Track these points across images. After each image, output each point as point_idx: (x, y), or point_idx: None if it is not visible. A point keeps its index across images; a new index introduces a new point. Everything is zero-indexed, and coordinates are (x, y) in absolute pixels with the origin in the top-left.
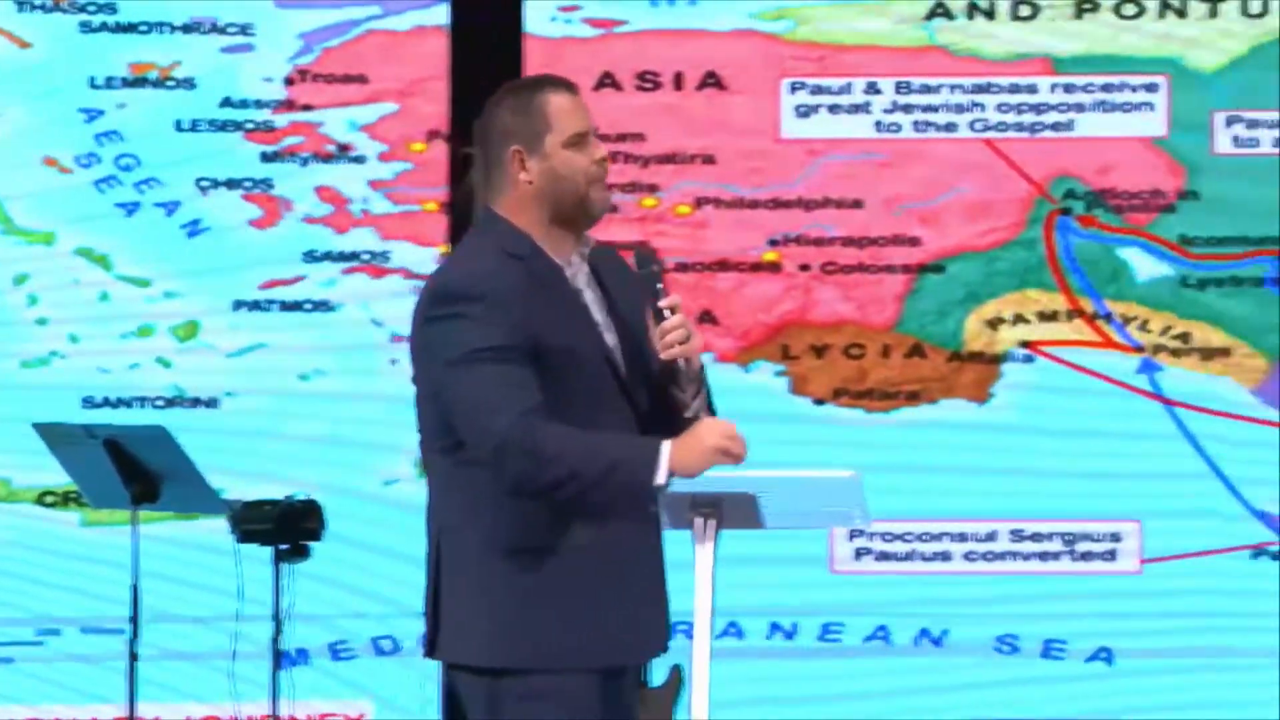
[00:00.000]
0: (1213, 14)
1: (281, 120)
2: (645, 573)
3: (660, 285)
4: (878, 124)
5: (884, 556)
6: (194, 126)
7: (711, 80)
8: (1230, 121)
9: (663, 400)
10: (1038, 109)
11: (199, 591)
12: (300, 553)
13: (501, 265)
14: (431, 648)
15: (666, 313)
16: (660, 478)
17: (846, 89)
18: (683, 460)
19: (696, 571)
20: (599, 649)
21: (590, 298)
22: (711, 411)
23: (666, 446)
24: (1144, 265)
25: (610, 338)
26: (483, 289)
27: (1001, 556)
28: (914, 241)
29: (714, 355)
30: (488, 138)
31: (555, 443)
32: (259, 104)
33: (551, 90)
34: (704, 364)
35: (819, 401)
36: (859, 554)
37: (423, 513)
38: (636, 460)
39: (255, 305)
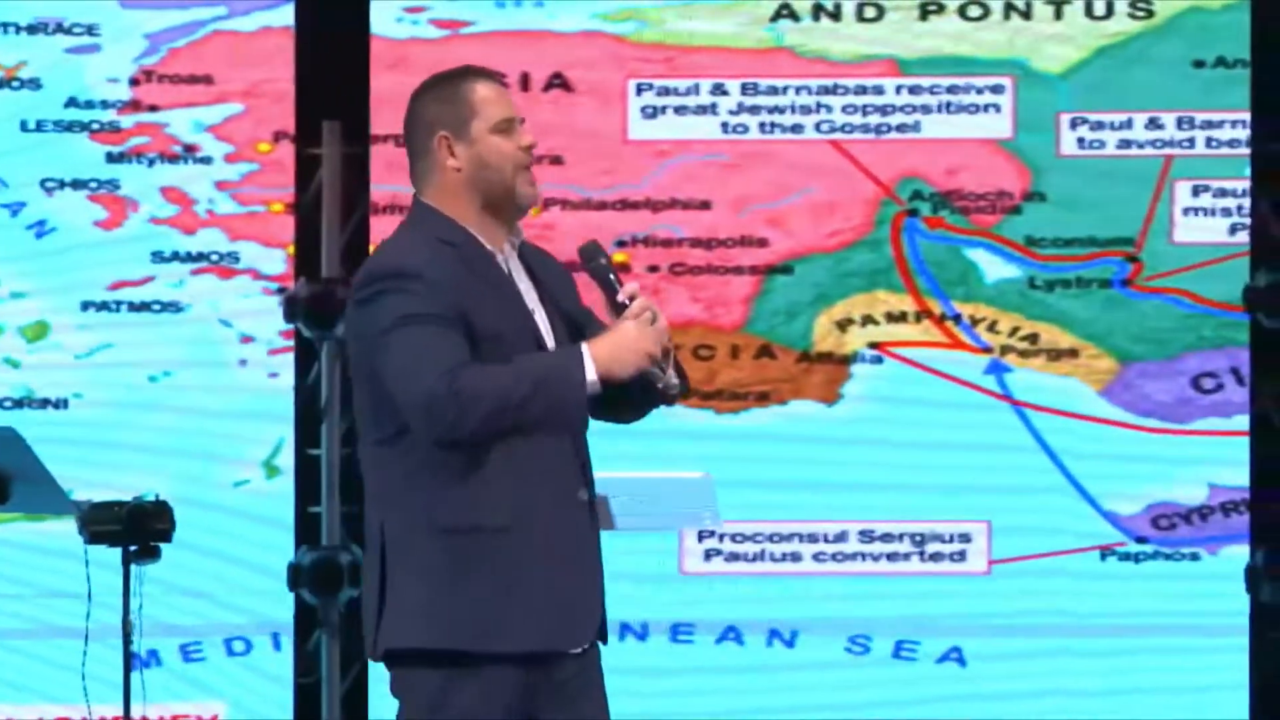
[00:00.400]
0: (1058, 16)
1: (127, 121)
2: (578, 558)
3: (613, 275)
4: (724, 125)
5: (734, 557)
6: (39, 127)
7: (558, 82)
8: (1076, 123)
9: (636, 381)
10: (884, 110)
11: (47, 593)
12: (150, 554)
13: (434, 251)
14: (374, 647)
15: (627, 301)
16: (590, 375)
17: (693, 90)
18: (608, 357)
19: None
20: (524, 632)
21: (523, 287)
22: (683, 379)
23: (586, 348)
24: (991, 266)
25: (544, 325)
26: (415, 267)
27: (852, 557)
28: (762, 243)
29: None
30: (414, 130)
31: (477, 380)
32: (105, 104)
33: (475, 79)
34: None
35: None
36: (709, 555)
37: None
38: (563, 369)
39: (104, 306)
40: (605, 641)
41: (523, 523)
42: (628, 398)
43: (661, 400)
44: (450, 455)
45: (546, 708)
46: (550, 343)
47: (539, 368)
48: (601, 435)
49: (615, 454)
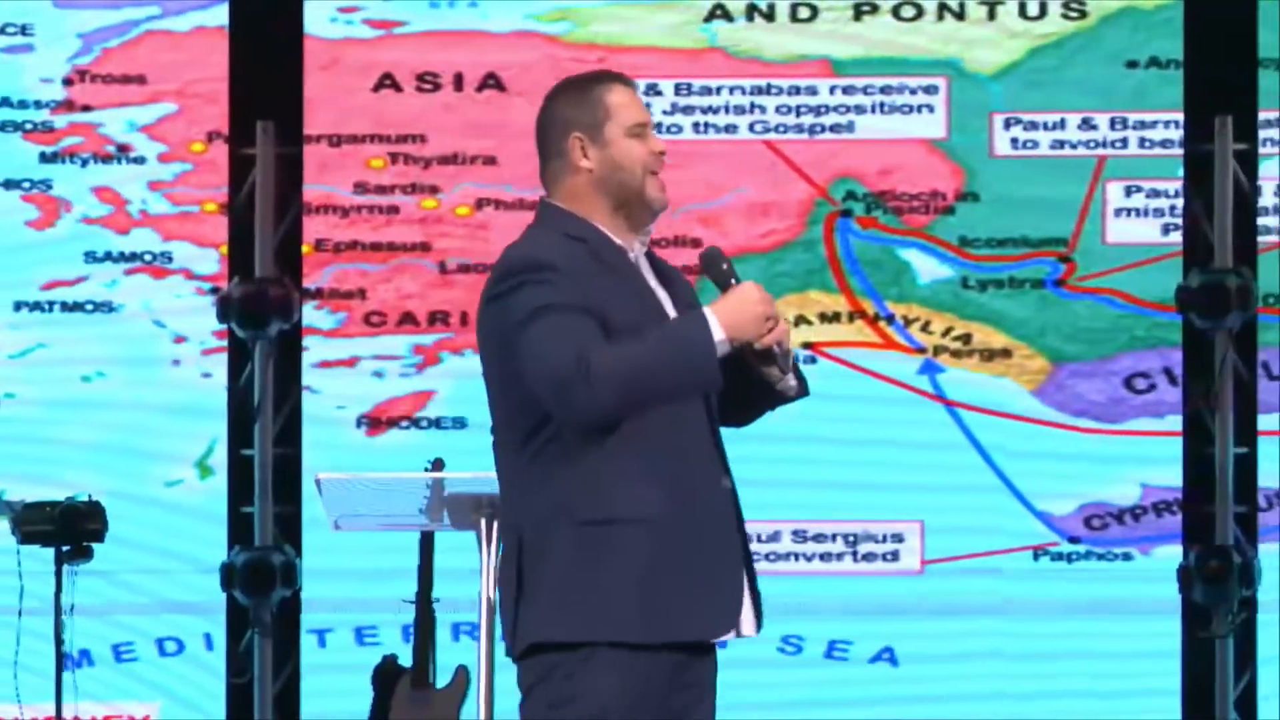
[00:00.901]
0: (991, 16)
1: (60, 121)
2: (723, 546)
3: (734, 280)
4: (658, 125)
5: None
6: None
7: (492, 82)
8: (1009, 123)
9: (750, 380)
10: (818, 111)
11: None
12: (83, 554)
13: (566, 246)
14: (512, 646)
15: None
16: (719, 334)
17: None
18: (730, 316)
19: (481, 572)
20: (670, 622)
21: (654, 284)
22: (802, 381)
23: (708, 310)
24: (925, 266)
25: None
26: (549, 260)
27: (785, 557)
28: (695, 243)
29: None
30: (547, 131)
31: (609, 356)
32: (38, 104)
33: (611, 83)
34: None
35: None
36: None
37: (204, 515)
38: (691, 331)
39: (37, 306)
40: (760, 628)
41: (667, 513)
42: (749, 396)
43: (780, 400)
44: (587, 449)
45: (691, 702)
46: None
47: (668, 335)
48: None
49: None
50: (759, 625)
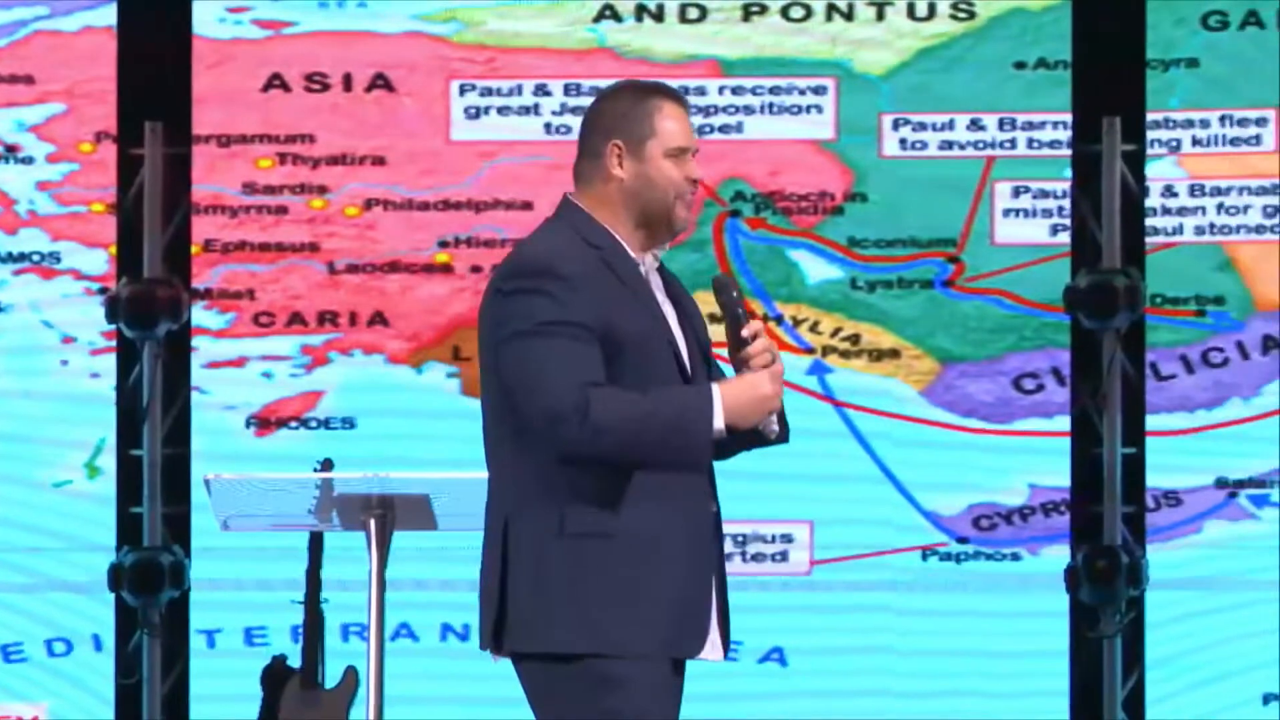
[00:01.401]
0: (880, 17)
1: None
2: (705, 569)
3: (741, 311)
4: (547, 126)
5: None
6: None
7: (381, 82)
8: (897, 124)
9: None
10: (706, 111)
11: None
12: None
13: (581, 251)
14: (497, 641)
15: (750, 338)
16: (719, 423)
17: (516, 91)
18: (736, 405)
19: (370, 573)
20: (652, 637)
21: (661, 298)
22: (784, 426)
23: (718, 391)
24: (814, 267)
25: (680, 341)
26: (562, 268)
27: None
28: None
29: (385, 357)
30: (590, 129)
31: (609, 409)
32: None
33: (664, 99)
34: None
35: None
36: None
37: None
38: (694, 412)
39: None
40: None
41: (657, 531)
42: (731, 440)
43: (761, 443)
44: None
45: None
46: (685, 358)
47: (672, 407)
48: (422, 440)
49: (444, 456)
50: (725, 652)
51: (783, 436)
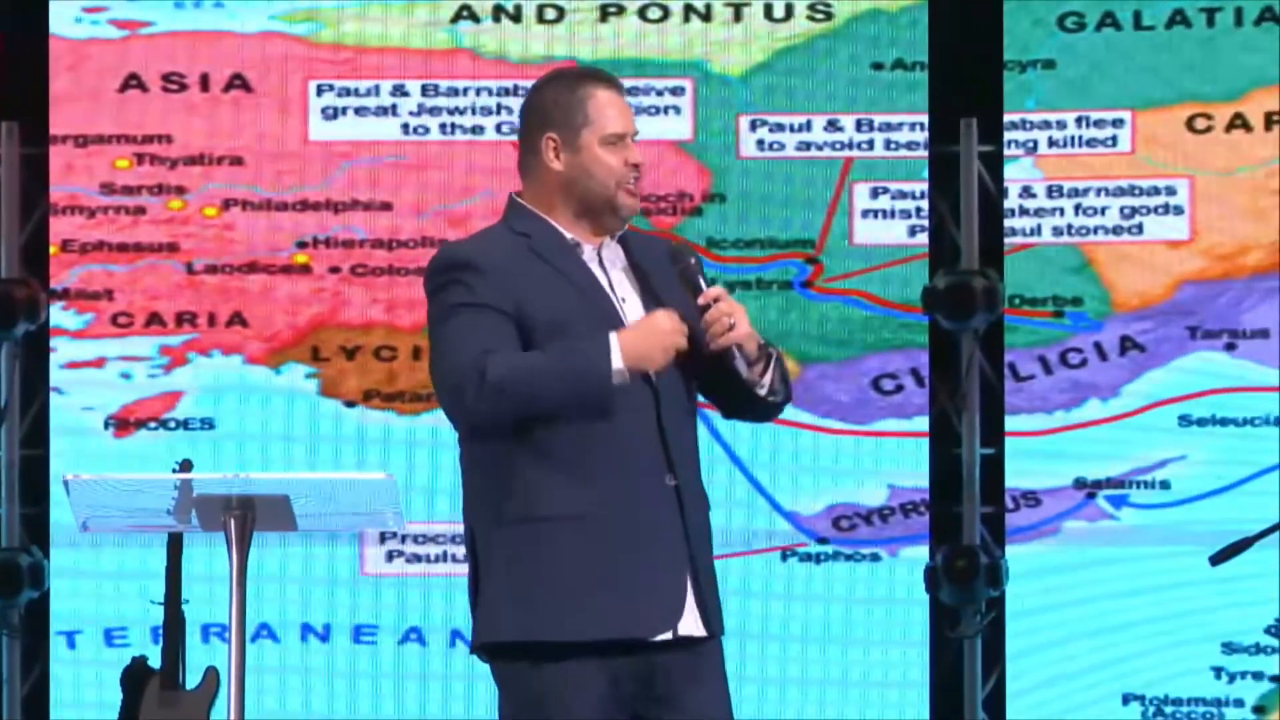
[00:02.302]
0: (737, 18)
1: None
2: (659, 544)
3: (701, 279)
4: (405, 127)
5: (416, 559)
6: None
7: (238, 82)
8: (755, 125)
9: (738, 385)
10: None
11: None
12: None
13: (498, 241)
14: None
15: (710, 303)
16: (616, 363)
17: (374, 91)
18: (633, 346)
19: (230, 574)
20: (599, 620)
21: (615, 277)
22: (786, 384)
23: (614, 337)
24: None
25: (634, 315)
26: (467, 256)
27: None
28: (443, 244)
29: (243, 357)
30: (525, 122)
31: (505, 368)
32: None
33: (597, 85)
34: (765, 341)
35: (350, 404)
36: (391, 556)
37: None
38: (590, 359)
39: None
40: (713, 633)
41: (596, 510)
42: (734, 394)
43: (761, 407)
44: (517, 448)
45: (647, 701)
46: None
47: (568, 357)
48: (281, 441)
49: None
50: (713, 627)
51: (787, 395)
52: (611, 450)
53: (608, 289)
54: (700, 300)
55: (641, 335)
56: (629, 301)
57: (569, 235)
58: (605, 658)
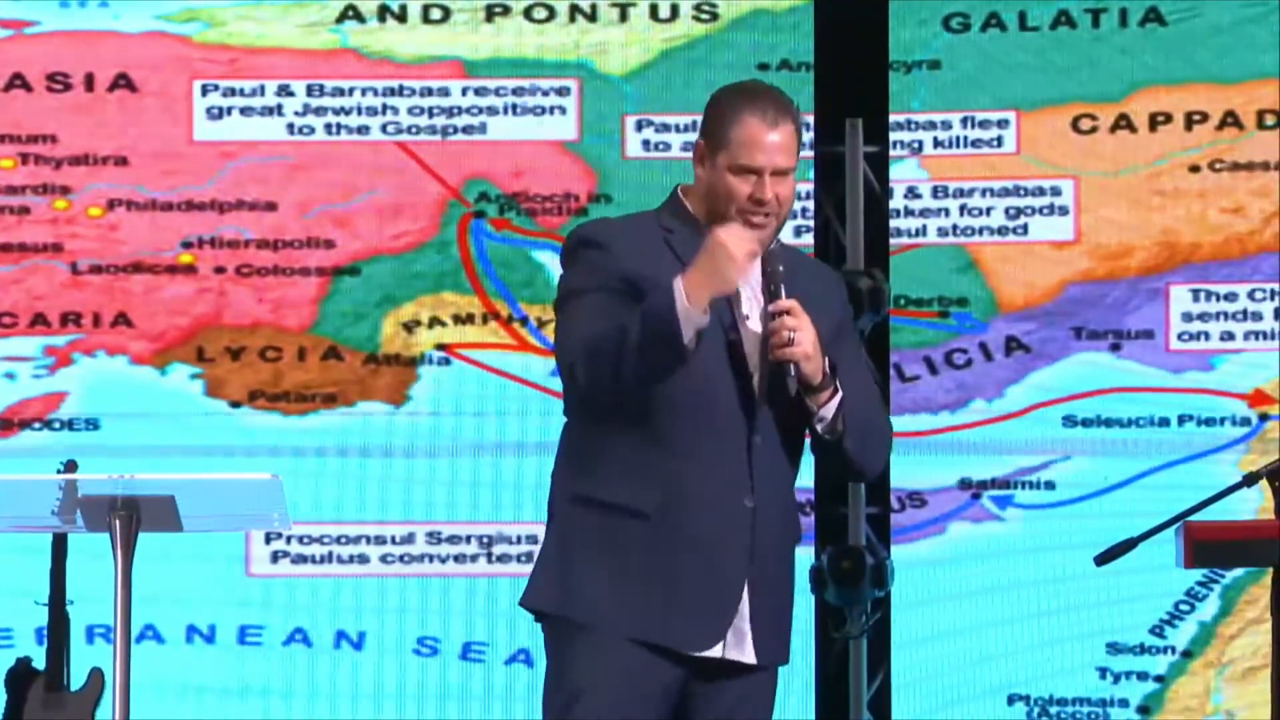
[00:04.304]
0: (623, 18)
1: None
2: (719, 561)
3: (775, 287)
4: (290, 126)
5: (302, 559)
6: None
7: (123, 82)
8: (641, 125)
9: (808, 414)
10: (450, 112)
11: None
12: None
13: (641, 225)
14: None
15: (775, 314)
16: (681, 299)
17: (259, 91)
18: (693, 276)
19: (115, 576)
20: (633, 620)
21: (748, 294)
22: (860, 435)
23: (678, 278)
24: (559, 268)
25: (751, 332)
26: (595, 235)
27: (419, 559)
28: (328, 244)
29: (129, 358)
30: (703, 115)
31: (597, 335)
32: None
33: (751, 113)
34: (831, 370)
35: (235, 404)
36: (276, 556)
37: None
38: (655, 303)
39: None
40: (776, 662)
41: (658, 512)
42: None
43: (823, 445)
44: (608, 433)
45: (695, 712)
46: (749, 349)
47: (644, 306)
48: (167, 441)
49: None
50: (767, 657)
51: (857, 447)
52: (690, 461)
53: (728, 299)
54: (770, 308)
55: (701, 260)
56: (750, 320)
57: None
58: (650, 655)
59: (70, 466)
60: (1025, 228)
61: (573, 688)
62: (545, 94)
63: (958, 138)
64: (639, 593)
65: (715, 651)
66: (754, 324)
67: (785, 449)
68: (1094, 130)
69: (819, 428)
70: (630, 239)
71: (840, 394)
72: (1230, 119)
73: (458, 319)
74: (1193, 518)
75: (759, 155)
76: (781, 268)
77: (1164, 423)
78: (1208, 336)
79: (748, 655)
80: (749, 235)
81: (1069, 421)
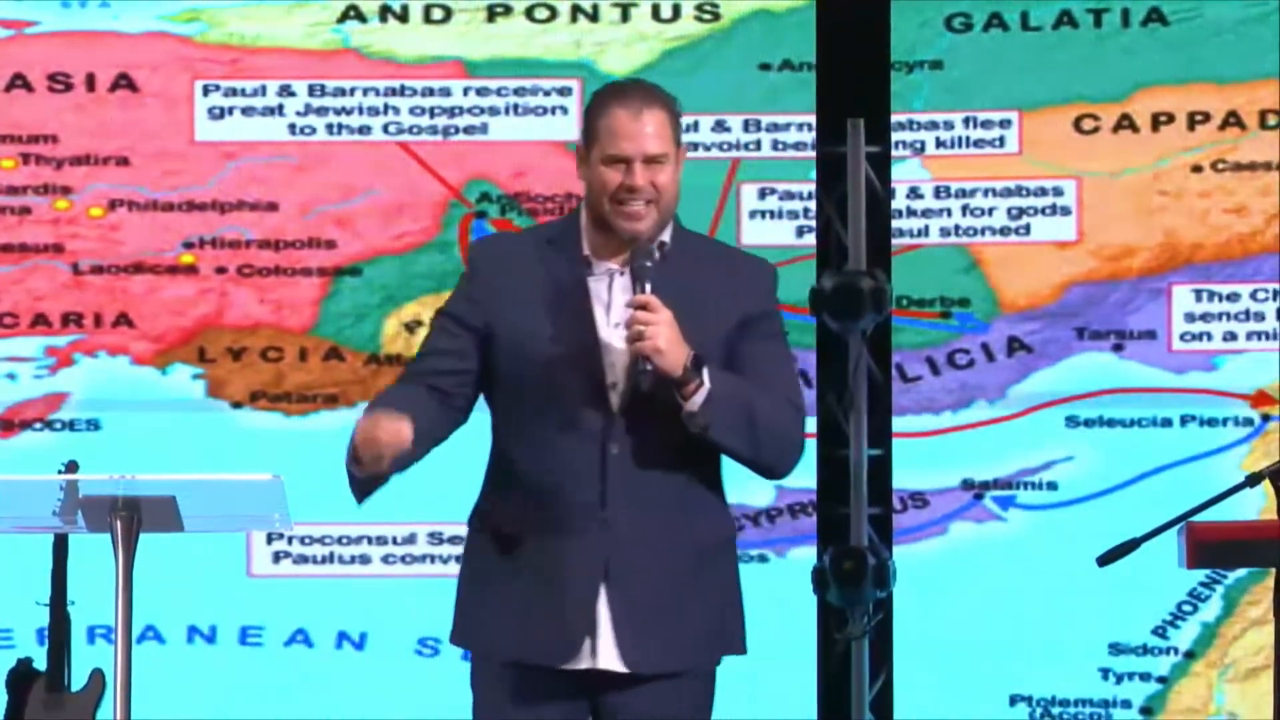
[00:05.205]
0: (625, 18)
1: None
2: (575, 576)
3: (640, 283)
4: (291, 126)
5: (303, 560)
6: None
7: (124, 82)
8: None
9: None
10: (451, 112)
11: None
12: None
13: (518, 246)
14: None
15: (632, 308)
16: (348, 457)
17: (260, 91)
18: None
19: (116, 576)
20: (505, 641)
21: (603, 304)
22: (716, 415)
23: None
24: None
25: (615, 345)
26: (476, 261)
27: (421, 559)
28: (330, 244)
29: (130, 358)
30: None
31: (384, 392)
32: None
33: (617, 104)
34: (695, 364)
35: (236, 405)
36: (278, 557)
37: None
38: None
39: None
40: (661, 669)
41: (523, 533)
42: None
43: (706, 440)
44: (494, 452)
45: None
46: (614, 357)
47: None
48: (168, 442)
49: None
50: (647, 665)
51: (704, 423)
52: (548, 474)
53: (602, 311)
54: (626, 303)
55: (361, 445)
56: (604, 333)
57: (587, 250)
58: (535, 675)
59: (71, 467)
60: (1027, 228)
61: (486, 710)
62: (547, 94)
63: (960, 138)
64: (503, 614)
65: (583, 663)
66: (607, 337)
67: (669, 452)
68: (1096, 130)
69: (687, 422)
70: (505, 262)
71: (707, 388)
72: (1233, 119)
73: None
74: (1195, 518)
75: (625, 143)
76: (650, 263)
77: (1166, 423)
78: (1210, 337)
79: (617, 664)
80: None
81: (1071, 422)
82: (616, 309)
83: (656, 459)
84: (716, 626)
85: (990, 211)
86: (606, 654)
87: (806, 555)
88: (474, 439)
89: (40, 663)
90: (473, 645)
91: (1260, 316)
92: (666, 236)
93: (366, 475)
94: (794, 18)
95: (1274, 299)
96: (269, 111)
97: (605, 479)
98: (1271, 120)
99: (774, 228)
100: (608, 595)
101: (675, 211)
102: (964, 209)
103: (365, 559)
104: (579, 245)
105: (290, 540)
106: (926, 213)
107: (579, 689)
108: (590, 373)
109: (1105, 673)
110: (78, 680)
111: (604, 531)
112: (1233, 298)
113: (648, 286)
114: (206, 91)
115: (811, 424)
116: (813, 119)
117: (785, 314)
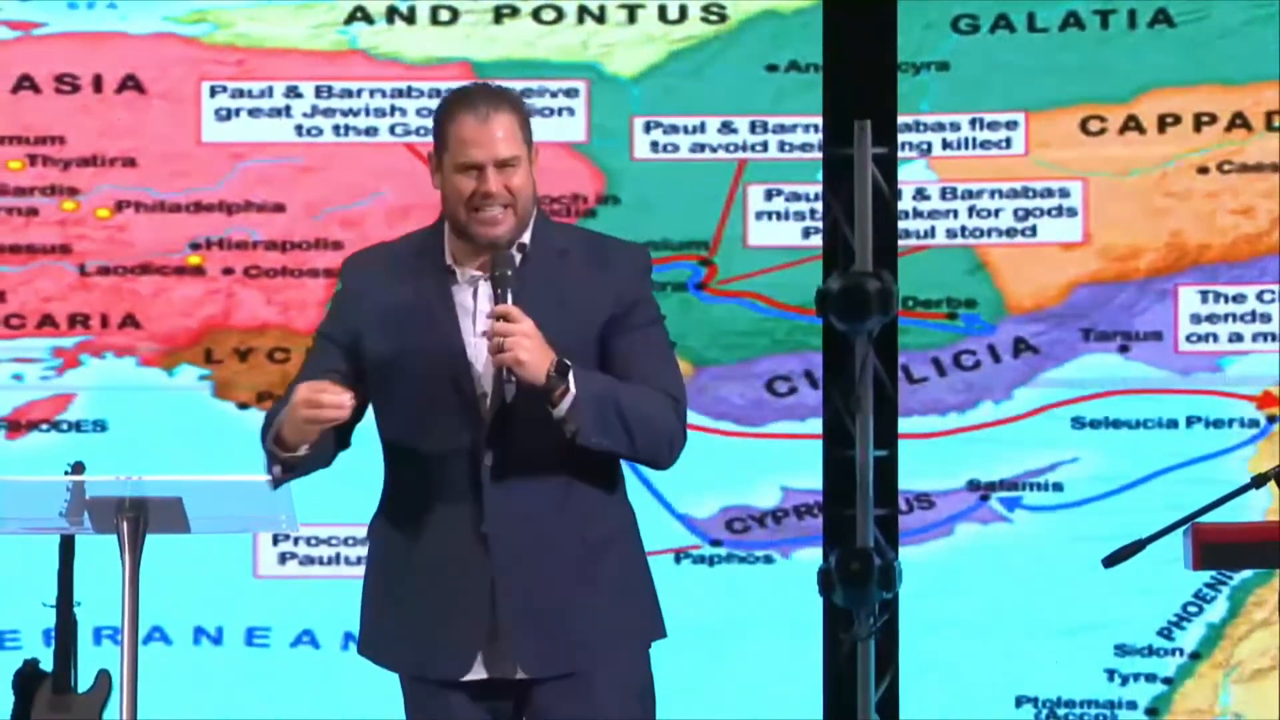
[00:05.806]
0: (631, 20)
1: None
2: (457, 588)
3: (501, 291)
4: (299, 128)
5: (309, 560)
6: None
7: (131, 83)
8: (649, 126)
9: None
10: None
11: None
12: None
13: (386, 259)
14: None
15: (491, 319)
16: (269, 442)
17: (267, 92)
18: (286, 433)
19: (123, 577)
20: (396, 653)
21: (469, 311)
22: (585, 419)
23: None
24: None
25: (481, 351)
26: (347, 276)
27: None
28: (337, 245)
29: (137, 359)
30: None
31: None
32: None
33: (463, 111)
34: (560, 370)
35: (243, 406)
36: (284, 558)
37: None
38: (269, 420)
39: None
40: (561, 671)
41: (408, 546)
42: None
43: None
44: (389, 464)
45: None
46: (478, 369)
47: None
48: (174, 443)
49: (197, 458)
50: (558, 667)
51: (576, 426)
52: (428, 494)
53: (468, 321)
54: (486, 315)
55: (289, 416)
56: (470, 339)
57: (449, 259)
58: (456, 685)
59: (78, 468)
60: (1034, 229)
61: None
62: (553, 95)
63: (966, 139)
64: (398, 629)
65: (482, 674)
66: (473, 344)
67: (545, 455)
68: (1103, 132)
69: (558, 418)
70: (372, 277)
71: (573, 393)
72: (1239, 120)
73: None
74: (1201, 519)
75: (475, 150)
76: (510, 270)
77: (1172, 424)
78: (1216, 338)
79: (519, 672)
80: (313, 397)
81: (1077, 423)
82: (482, 317)
83: (532, 464)
84: (616, 619)
85: (996, 213)
86: (503, 663)
87: (812, 556)
88: None
89: (46, 664)
90: (375, 658)
91: (1266, 318)
92: (526, 238)
93: (288, 456)
94: (800, 19)
95: None
96: (276, 113)
97: (480, 491)
98: (1278, 122)
99: (780, 229)
100: (496, 606)
101: (533, 209)
102: (970, 210)
103: None
104: (442, 255)
105: (296, 541)
106: (933, 214)
107: (496, 692)
108: (459, 384)
109: (1111, 674)
110: (84, 681)
111: (485, 545)
112: (1239, 299)
113: (509, 295)
114: (213, 93)
115: (817, 425)
116: (819, 120)
117: (793, 315)
